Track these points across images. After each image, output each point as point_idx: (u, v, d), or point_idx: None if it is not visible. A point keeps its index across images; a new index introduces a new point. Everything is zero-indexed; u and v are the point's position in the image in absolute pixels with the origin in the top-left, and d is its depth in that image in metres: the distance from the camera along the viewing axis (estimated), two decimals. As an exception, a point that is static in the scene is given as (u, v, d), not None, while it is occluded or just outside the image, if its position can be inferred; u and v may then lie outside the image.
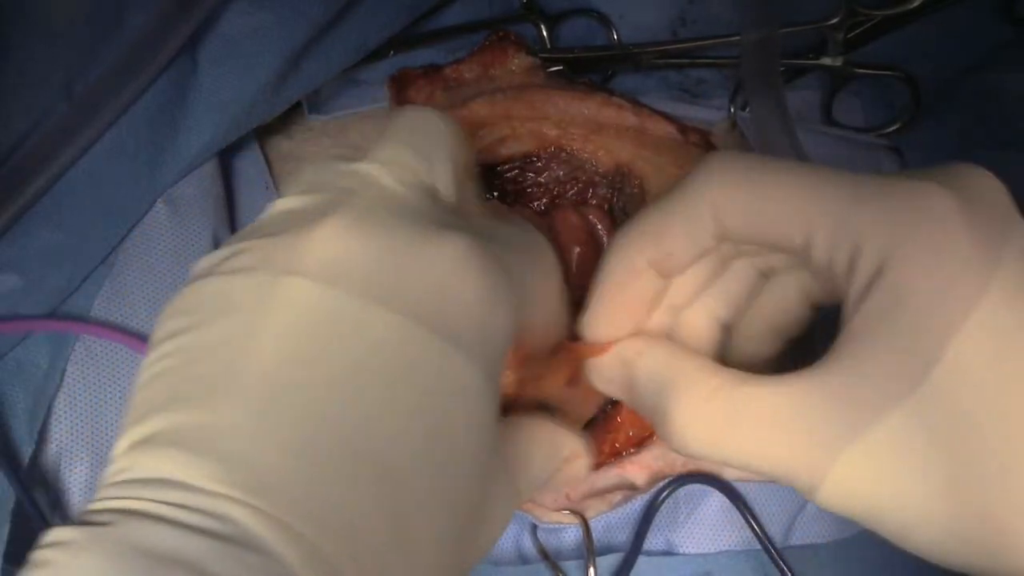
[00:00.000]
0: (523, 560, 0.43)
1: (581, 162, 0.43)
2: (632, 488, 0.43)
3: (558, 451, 0.33)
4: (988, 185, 0.26)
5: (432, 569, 0.25)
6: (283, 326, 0.24)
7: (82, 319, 0.40)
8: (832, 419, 0.26)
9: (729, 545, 0.43)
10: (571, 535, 0.43)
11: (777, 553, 0.42)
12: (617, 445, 0.41)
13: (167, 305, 0.26)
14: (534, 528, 0.42)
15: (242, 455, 0.23)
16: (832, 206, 0.27)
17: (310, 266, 0.24)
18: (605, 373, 0.32)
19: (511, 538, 0.43)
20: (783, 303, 0.32)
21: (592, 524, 0.42)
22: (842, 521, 0.43)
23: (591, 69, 0.47)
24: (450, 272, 0.25)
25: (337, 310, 0.24)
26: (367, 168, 0.28)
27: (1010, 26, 0.45)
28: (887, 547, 0.44)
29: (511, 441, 0.31)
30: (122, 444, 0.24)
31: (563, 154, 0.43)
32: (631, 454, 0.42)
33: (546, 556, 0.42)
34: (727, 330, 0.33)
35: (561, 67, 0.46)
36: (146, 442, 0.23)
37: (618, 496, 0.43)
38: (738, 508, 0.42)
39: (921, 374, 0.24)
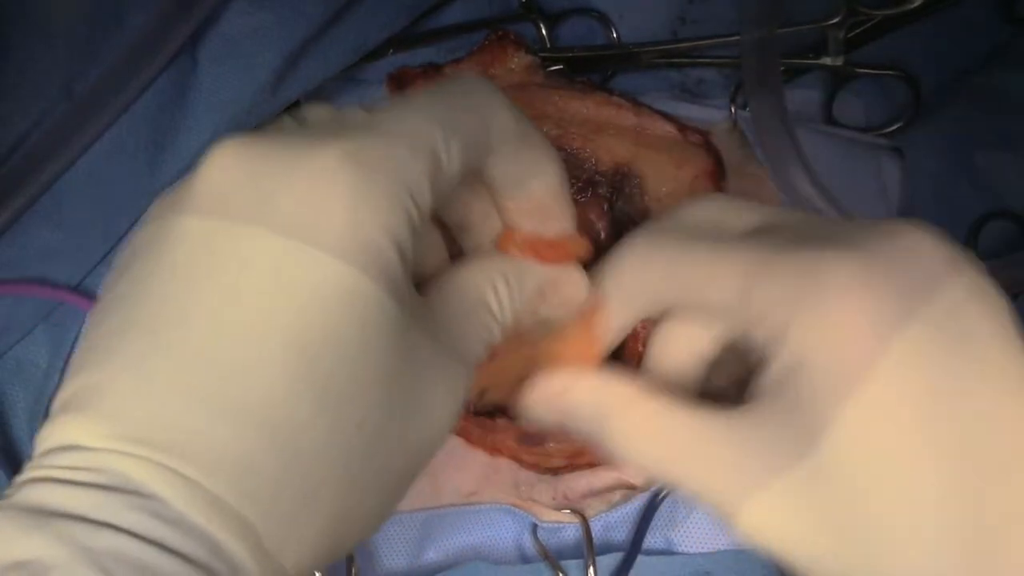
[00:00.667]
0: (523, 559, 0.43)
1: (580, 161, 0.43)
2: (631, 487, 0.43)
3: (525, 284, 0.32)
4: (919, 247, 0.27)
5: (349, 485, 0.25)
6: (166, 268, 0.24)
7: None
8: (748, 462, 0.27)
9: (729, 544, 0.43)
10: (571, 534, 0.43)
11: (777, 553, 0.42)
12: None
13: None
14: (534, 527, 0.42)
15: (125, 409, 0.23)
16: (737, 280, 0.28)
17: (194, 197, 0.24)
18: (538, 410, 0.32)
19: (511, 537, 0.43)
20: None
21: (592, 523, 0.42)
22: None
23: (591, 68, 0.47)
24: (318, 181, 0.25)
25: (212, 239, 0.24)
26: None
27: (1010, 26, 0.45)
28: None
29: (443, 309, 0.29)
30: (52, 408, 0.25)
31: (563, 153, 0.43)
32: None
33: (546, 555, 0.42)
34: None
35: (561, 66, 0.46)
36: (58, 411, 0.24)
37: (617, 495, 0.43)
38: (738, 507, 0.42)
39: (813, 440, 0.26)
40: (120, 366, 0.23)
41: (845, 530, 0.26)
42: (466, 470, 0.43)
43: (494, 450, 0.42)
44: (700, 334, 0.32)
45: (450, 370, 0.28)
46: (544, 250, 0.31)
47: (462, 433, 0.42)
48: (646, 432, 0.29)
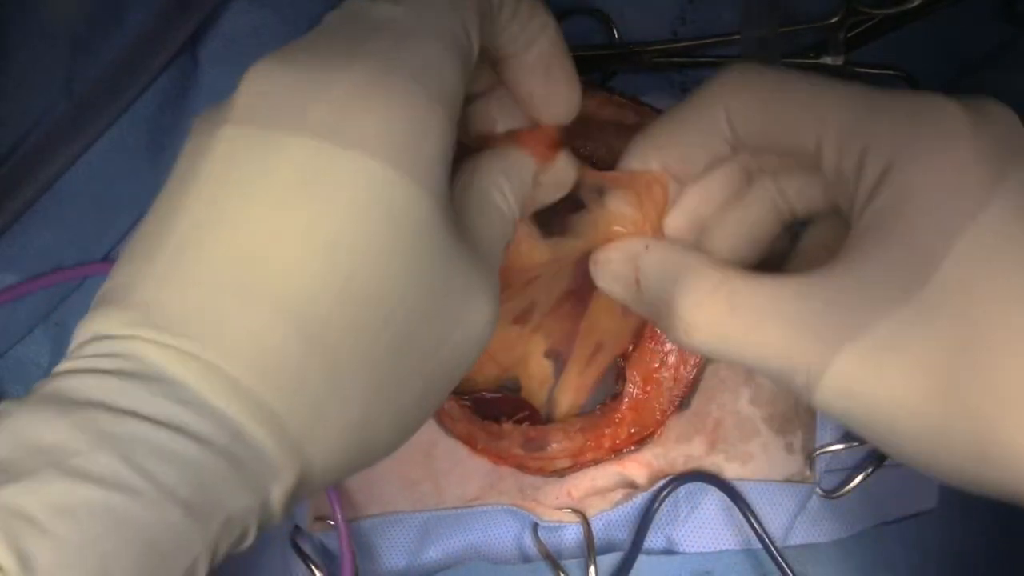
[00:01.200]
0: (524, 559, 0.43)
1: (582, 161, 0.43)
2: (632, 486, 0.43)
3: (523, 173, 0.31)
4: (1002, 112, 0.26)
5: (377, 382, 0.25)
6: (206, 175, 0.25)
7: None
8: (834, 316, 0.25)
9: (729, 544, 0.43)
10: (572, 533, 0.43)
11: (777, 552, 0.42)
12: (617, 442, 0.41)
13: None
14: (535, 527, 0.42)
15: (152, 299, 0.23)
16: (843, 111, 0.27)
17: (230, 112, 0.25)
18: (612, 268, 0.32)
19: (512, 537, 0.43)
20: (758, 213, 0.32)
21: (592, 523, 0.42)
22: (841, 521, 0.43)
23: (591, 68, 0.47)
24: (352, 93, 0.25)
25: (246, 144, 0.25)
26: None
27: (1010, 26, 0.45)
28: (887, 546, 0.44)
29: (466, 210, 0.29)
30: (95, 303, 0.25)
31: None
32: (631, 452, 0.42)
33: (547, 555, 0.42)
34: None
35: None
36: (92, 307, 0.25)
37: (618, 495, 0.43)
38: (738, 507, 0.42)
39: (924, 276, 0.24)
40: (153, 262, 0.24)
41: (949, 377, 0.24)
42: (470, 477, 0.43)
43: (499, 458, 0.42)
44: (764, 215, 0.32)
45: (485, 275, 0.28)
46: (524, 138, 0.31)
47: (467, 440, 0.42)
48: (719, 297, 0.28)
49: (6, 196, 0.39)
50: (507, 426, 0.42)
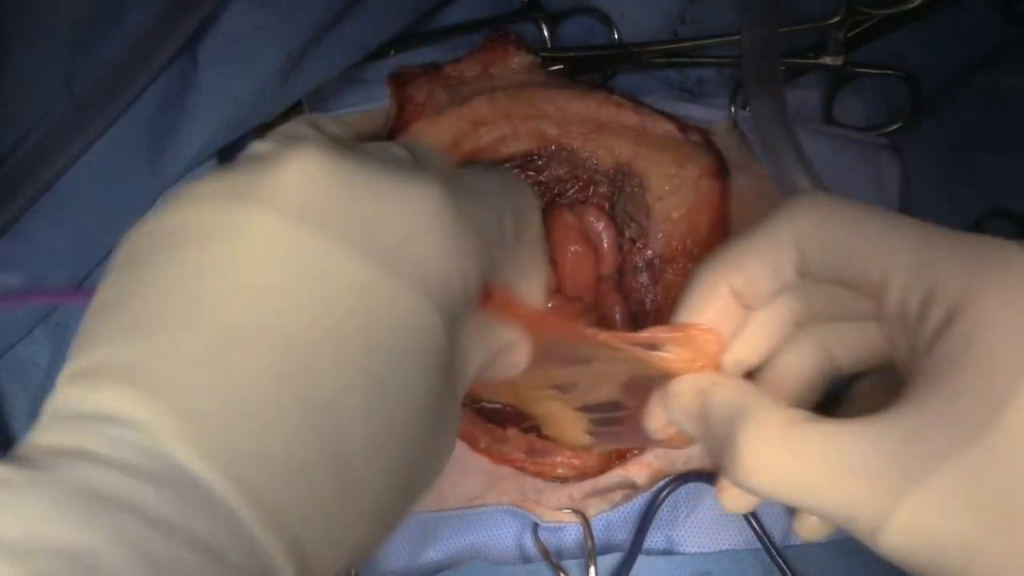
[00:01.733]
0: (524, 559, 0.43)
1: (581, 161, 0.43)
2: (633, 487, 0.43)
3: (495, 340, 0.32)
4: None
5: (381, 509, 0.25)
6: (243, 260, 0.23)
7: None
8: (900, 462, 0.25)
9: (729, 544, 0.43)
10: (572, 534, 0.43)
11: (777, 552, 0.42)
12: (624, 451, 0.42)
13: (131, 228, 0.26)
14: (535, 527, 0.42)
15: (188, 394, 0.22)
16: (912, 248, 0.27)
17: (277, 198, 0.24)
18: (682, 402, 0.31)
19: (512, 537, 0.43)
20: (804, 361, 0.33)
21: (593, 523, 0.42)
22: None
23: (591, 68, 0.47)
24: (420, 217, 0.25)
25: (300, 247, 0.24)
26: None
27: (1010, 26, 0.45)
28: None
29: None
30: (66, 372, 0.24)
31: (563, 153, 0.43)
32: (635, 456, 0.42)
33: (547, 555, 0.42)
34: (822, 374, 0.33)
35: (561, 66, 0.46)
36: (91, 373, 0.23)
37: (619, 495, 0.43)
38: (738, 507, 0.42)
39: (988, 420, 0.24)
40: (187, 347, 0.23)
41: (1015, 520, 0.24)
42: (470, 476, 0.43)
43: (500, 459, 0.42)
44: (809, 365, 0.32)
45: (457, 402, 0.29)
46: (499, 303, 0.32)
47: (468, 439, 0.42)
48: (784, 439, 0.27)
49: (6, 196, 0.39)
50: (512, 432, 0.42)
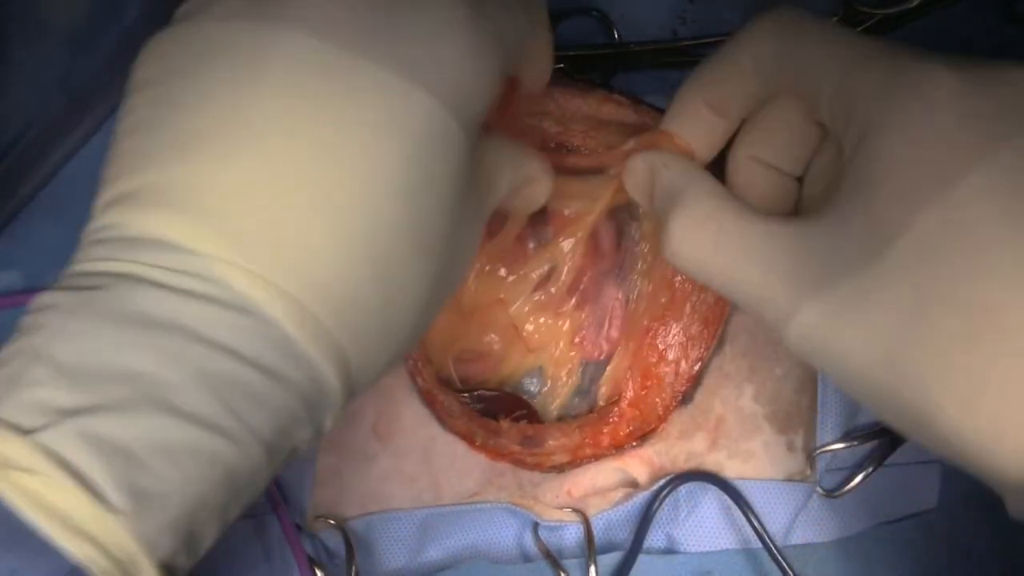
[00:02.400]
0: (525, 558, 0.43)
1: (582, 158, 0.43)
2: (633, 485, 0.43)
3: (520, 171, 0.33)
4: (1015, 79, 0.26)
5: (417, 311, 0.26)
6: (279, 80, 0.24)
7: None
8: (807, 269, 0.27)
9: (729, 544, 0.43)
10: (572, 533, 0.43)
11: (777, 552, 0.41)
12: (618, 438, 0.41)
13: (148, 45, 0.26)
14: (536, 526, 0.42)
15: (238, 218, 0.23)
16: (842, 67, 0.28)
17: (305, 16, 0.24)
18: (635, 177, 0.34)
19: (512, 536, 0.43)
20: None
21: (593, 522, 0.42)
22: (842, 520, 0.43)
23: (591, 68, 0.47)
24: (442, 24, 0.25)
25: (331, 64, 0.24)
26: None
27: (1010, 26, 0.45)
28: (887, 546, 0.44)
29: (480, 162, 0.31)
30: (105, 196, 0.24)
31: (564, 150, 0.43)
32: (633, 447, 0.42)
33: (548, 554, 0.41)
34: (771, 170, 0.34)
35: (561, 65, 0.46)
36: (134, 197, 0.23)
37: (619, 494, 0.43)
38: (739, 507, 0.42)
39: (885, 245, 0.25)
40: (234, 168, 0.23)
41: (897, 345, 0.25)
42: (468, 473, 0.43)
43: (497, 455, 0.42)
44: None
45: (480, 212, 0.31)
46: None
47: (465, 436, 0.42)
48: (705, 229, 0.30)
49: (5, 191, 0.39)
50: (504, 423, 0.42)
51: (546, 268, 0.42)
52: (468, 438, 0.42)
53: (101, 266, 0.23)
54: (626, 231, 0.43)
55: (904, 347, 0.25)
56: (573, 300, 0.43)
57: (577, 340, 0.42)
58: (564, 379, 0.43)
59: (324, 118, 0.24)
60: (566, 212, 0.41)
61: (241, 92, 0.24)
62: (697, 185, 0.31)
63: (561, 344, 0.43)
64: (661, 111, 0.44)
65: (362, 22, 0.24)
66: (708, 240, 0.29)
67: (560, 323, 0.43)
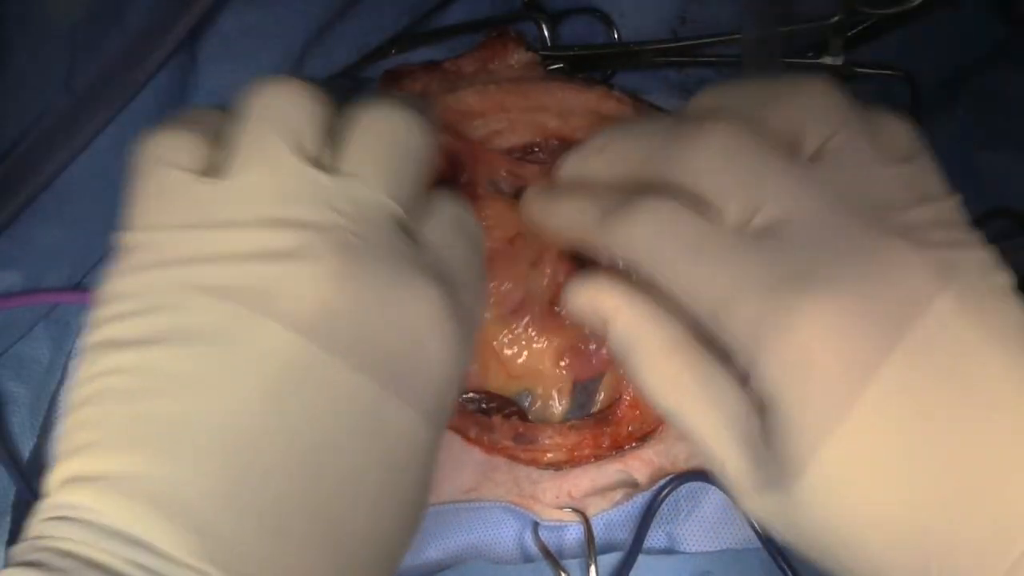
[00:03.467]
0: (525, 558, 0.43)
1: None
2: (633, 485, 0.43)
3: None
4: (906, 264, 0.26)
5: None
6: (252, 378, 0.24)
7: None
8: (748, 462, 0.28)
9: (730, 543, 0.43)
10: (573, 533, 0.43)
11: (778, 551, 0.41)
12: (618, 439, 0.41)
13: (119, 275, 0.26)
14: (536, 526, 0.42)
15: (214, 525, 0.23)
16: (712, 296, 0.28)
17: (287, 311, 0.25)
18: (584, 316, 0.33)
19: (513, 536, 0.43)
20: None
21: (593, 522, 0.42)
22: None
23: (591, 67, 0.47)
24: (420, 325, 0.26)
25: (308, 366, 0.25)
26: (345, 190, 0.27)
27: (1010, 26, 0.45)
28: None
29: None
30: (70, 467, 0.24)
31: (564, 145, 0.43)
32: (633, 448, 0.42)
33: (548, 554, 0.41)
34: None
35: (561, 65, 0.46)
36: (104, 482, 0.23)
37: (619, 494, 0.43)
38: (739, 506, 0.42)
39: (795, 477, 0.26)
40: (206, 470, 0.23)
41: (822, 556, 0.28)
42: (464, 467, 0.43)
43: (491, 448, 0.42)
44: None
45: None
46: None
47: (459, 429, 0.42)
48: (669, 393, 0.30)
49: (6, 194, 0.39)
50: (497, 419, 0.42)
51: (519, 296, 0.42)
52: (462, 432, 0.42)
53: (71, 547, 0.23)
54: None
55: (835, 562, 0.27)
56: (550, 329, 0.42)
57: (563, 363, 0.42)
58: (557, 399, 0.43)
59: (294, 417, 0.24)
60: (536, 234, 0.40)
61: (211, 381, 0.24)
62: (654, 341, 0.31)
63: (546, 368, 0.42)
64: (661, 109, 0.44)
65: (345, 324, 0.25)
66: (673, 405, 0.30)
67: (541, 349, 0.42)
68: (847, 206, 0.27)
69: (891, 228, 0.27)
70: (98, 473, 0.23)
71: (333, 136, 0.29)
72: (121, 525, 0.23)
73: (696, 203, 0.29)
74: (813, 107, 0.30)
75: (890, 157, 0.29)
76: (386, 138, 0.29)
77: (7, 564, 0.23)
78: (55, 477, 0.24)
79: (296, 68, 0.42)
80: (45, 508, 0.24)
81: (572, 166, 0.34)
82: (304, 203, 0.27)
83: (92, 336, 0.26)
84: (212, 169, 0.27)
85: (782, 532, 0.29)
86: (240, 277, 0.25)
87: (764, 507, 0.28)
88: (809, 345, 0.26)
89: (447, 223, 0.31)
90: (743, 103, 0.30)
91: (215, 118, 0.29)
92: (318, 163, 0.28)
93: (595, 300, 0.32)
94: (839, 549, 0.27)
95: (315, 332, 0.25)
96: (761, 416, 0.28)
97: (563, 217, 0.33)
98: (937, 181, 0.30)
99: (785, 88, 0.30)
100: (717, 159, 0.29)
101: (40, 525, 0.24)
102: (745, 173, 0.28)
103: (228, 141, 0.28)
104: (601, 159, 0.33)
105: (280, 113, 0.28)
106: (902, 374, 0.25)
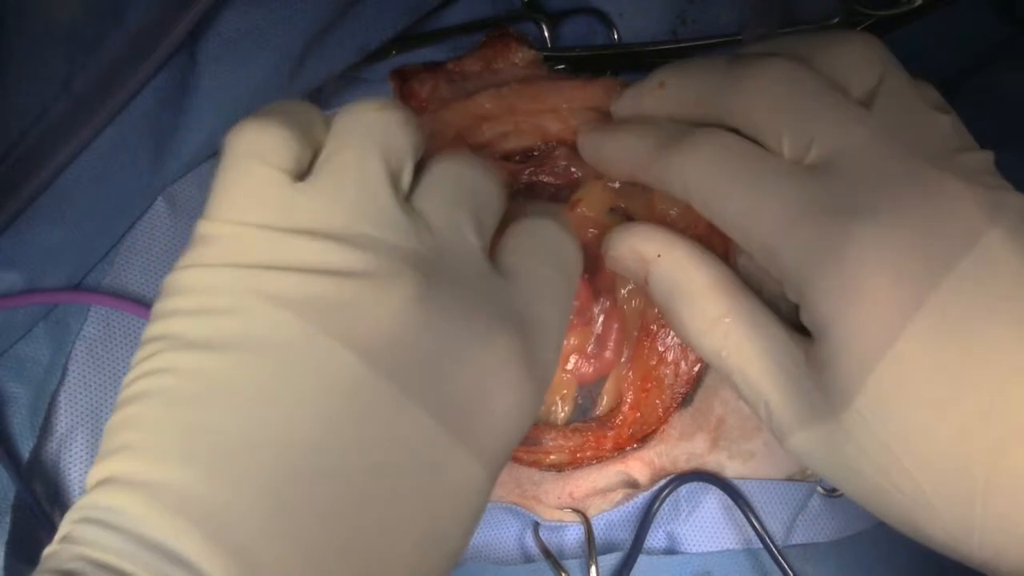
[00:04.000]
0: (526, 558, 0.43)
1: (582, 156, 0.43)
2: (634, 486, 0.43)
3: None
4: (958, 199, 0.27)
5: None
6: (311, 402, 0.23)
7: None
8: (795, 397, 0.29)
9: (730, 544, 0.43)
10: (573, 533, 0.43)
11: (778, 552, 0.42)
12: (620, 440, 0.41)
13: (191, 267, 0.25)
14: (536, 526, 0.42)
15: (255, 551, 0.22)
16: (764, 226, 0.28)
17: (360, 339, 0.23)
18: (624, 265, 0.33)
19: (514, 537, 0.43)
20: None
21: (594, 522, 0.42)
22: (842, 520, 0.43)
23: (592, 68, 0.47)
24: (494, 378, 0.25)
25: (371, 398, 0.23)
26: (430, 219, 0.27)
27: (1010, 26, 0.45)
28: (888, 545, 0.44)
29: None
30: (111, 466, 0.23)
31: (564, 149, 0.43)
32: (634, 449, 0.42)
33: (548, 554, 0.42)
34: None
35: (563, 65, 0.46)
36: (146, 490, 0.22)
37: (620, 494, 0.43)
38: (739, 507, 0.42)
39: (845, 403, 0.27)
40: (252, 496, 0.22)
41: (878, 487, 0.27)
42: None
43: None
44: None
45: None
46: None
47: None
48: (718, 332, 0.30)
49: (6, 193, 0.39)
50: None
51: None
52: None
53: (108, 558, 0.22)
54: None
55: (878, 494, 0.28)
56: None
57: (570, 368, 0.42)
58: (560, 404, 0.43)
59: (351, 447, 0.23)
60: None
61: (268, 394, 0.23)
62: (697, 281, 0.31)
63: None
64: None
65: (416, 354, 0.24)
66: (715, 348, 0.30)
67: None
68: (899, 142, 0.28)
69: (943, 166, 0.27)
70: (140, 479, 0.22)
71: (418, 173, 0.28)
72: (160, 537, 0.22)
73: (752, 137, 0.29)
74: (861, 54, 0.30)
75: (933, 107, 0.30)
76: (465, 184, 0.29)
77: (39, 568, 0.22)
78: (94, 474, 0.23)
79: (296, 69, 0.42)
80: (81, 507, 0.23)
81: (626, 103, 0.34)
82: (389, 226, 0.26)
83: (152, 327, 0.25)
84: (301, 172, 0.27)
85: (825, 469, 0.29)
86: (315, 291, 0.24)
87: (808, 442, 0.28)
88: (862, 271, 0.26)
89: (538, 250, 0.30)
90: (793, 50, 0.31)
91: (311, 117, 0.28)
92: (405, 193, 0.27)
93: (638, 245, 0.32)
94: (883, 482, 0.27)
95: (383, 361, 0.23)
96: (807, 351, 0.28)
97: (618, 149, 0.33)
98: (970, 136, 0.30)
99: (833, 37, 0.31)
100: (772, 93, 0.29)
101: (75, 527, 0.23)
102: (800, 107, 0.29)
103: (323, 147, 0.27)
104: (656, 97, 0.33)
105: (382, 136, 0.27)
106: (952, 302, 0.25)
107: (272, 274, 0.24)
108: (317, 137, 0.28)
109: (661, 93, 0.33)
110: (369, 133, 0.27)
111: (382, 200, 0.26)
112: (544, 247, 0.30)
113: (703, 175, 0.30)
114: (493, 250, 0.29)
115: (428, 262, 0.26)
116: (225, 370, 0.23)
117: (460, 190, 0.28)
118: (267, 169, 0.26)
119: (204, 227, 0.26)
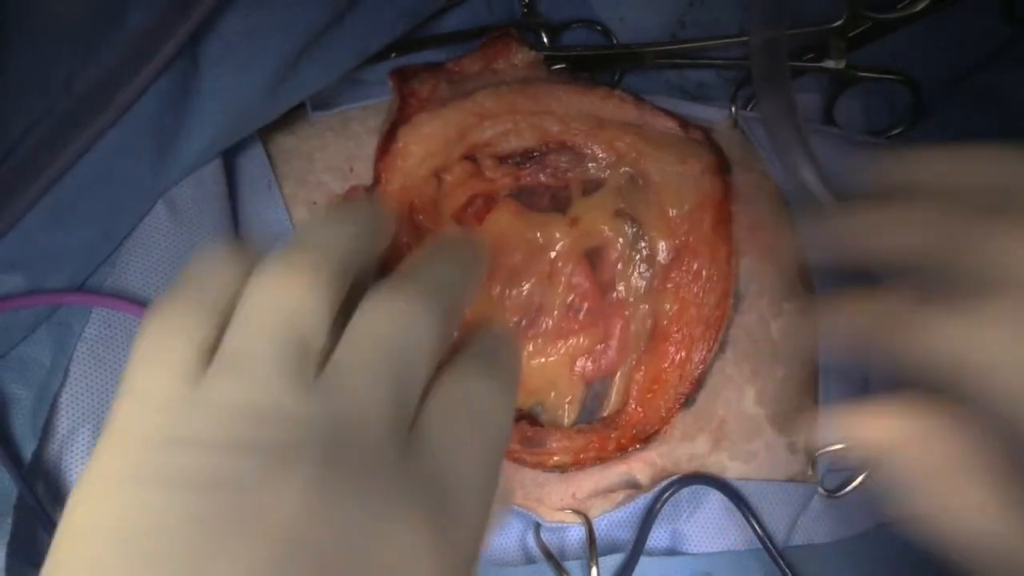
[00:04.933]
0: (527, 559, 0.43)
1: (583, 158, 0.43)
2: (636, 487, 0.43)
3: None
4: None
5: None
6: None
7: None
8: None
9: (731, 545, 0.43)
10: (575, 534, 0.43)
11: (778, 553, 0.42)
12: (623, 442, 0.41)
13: (104, 442, 0.24)
14: (538, 527, 0.42)
15: None
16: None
17: (268, 526, 0.22)
18: (860, 446, 0.31)
19: (515, 538, 0.43)
20: None
21: (595, 523, 0.42)
22: (843, 521, 0.43)
23: (593, 68, 0.47)
24: (400, 565, 0.24)
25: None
26: (329, 396, 0.25)
27: (1010, 26, 0.45)
28: (888, 546, 0.44)
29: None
30: None
31: (565, 150, 0.43)
32: (636, 450, 0.42)
33: (550, 555, 0.41)
34: None
35: (563, 65, 0.46)
36: None
37: (621, 495, 0.43)
38: (739, 508, 0.42)
39: None
40: None
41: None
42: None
43: None
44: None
45: None
46: None
47: None
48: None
49: (8, 196, 0.39)
50: None
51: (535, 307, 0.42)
52: None
53: None
54: (627, 230, 0.43)
55: None
56: (566, 334, 0.43)
57: (578, 368, 0.42)
58: (566, 408, 0.43)
59: None
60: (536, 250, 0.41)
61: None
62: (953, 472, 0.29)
63: (561, 376, 0.43)
64: (663, 109, 0.44)
65: (324, 543, 0.23)
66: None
67: (556, 358, 0.42)
68: None
69: None
70: None
71: (336, 324, 0.26)
72: None
73: None
74: None
75: None
76: (387, 344, 0.26)
77: None
78: None
79: (296, 71, 0.42)
80: None
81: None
82: (281, 424, 0.24)
83: (83, 477, 0.24)
84: (208, 351, 0.25)
85: None
86: (200, 507, 0.23)
87: None
88: None
89: (461, 411, 0.27)
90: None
91: (229, 283, 0.26)
92: (309, 359, 0.25)
93: (858, 424, 0.30)
94: None
95: (276, 563, 0.22)
96: None
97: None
98: None
99: None
100: None
101: None
102: None
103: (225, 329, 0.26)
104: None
105: (288, 311, 0.25)
106: None
107: (156, 490, 0.23)
108: (231, 302, 0.26)
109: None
110: (276, 308, 0.25)
111: (274, 394, 0.24)
112: (468, 406, 0.27)
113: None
114: (418, 411, 0.27)
115: (329, 448, 0.24)
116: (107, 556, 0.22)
117: (381, 354, 0.26)
118: (165, 367, 0.25)
119: (117, 403, 0.25)
